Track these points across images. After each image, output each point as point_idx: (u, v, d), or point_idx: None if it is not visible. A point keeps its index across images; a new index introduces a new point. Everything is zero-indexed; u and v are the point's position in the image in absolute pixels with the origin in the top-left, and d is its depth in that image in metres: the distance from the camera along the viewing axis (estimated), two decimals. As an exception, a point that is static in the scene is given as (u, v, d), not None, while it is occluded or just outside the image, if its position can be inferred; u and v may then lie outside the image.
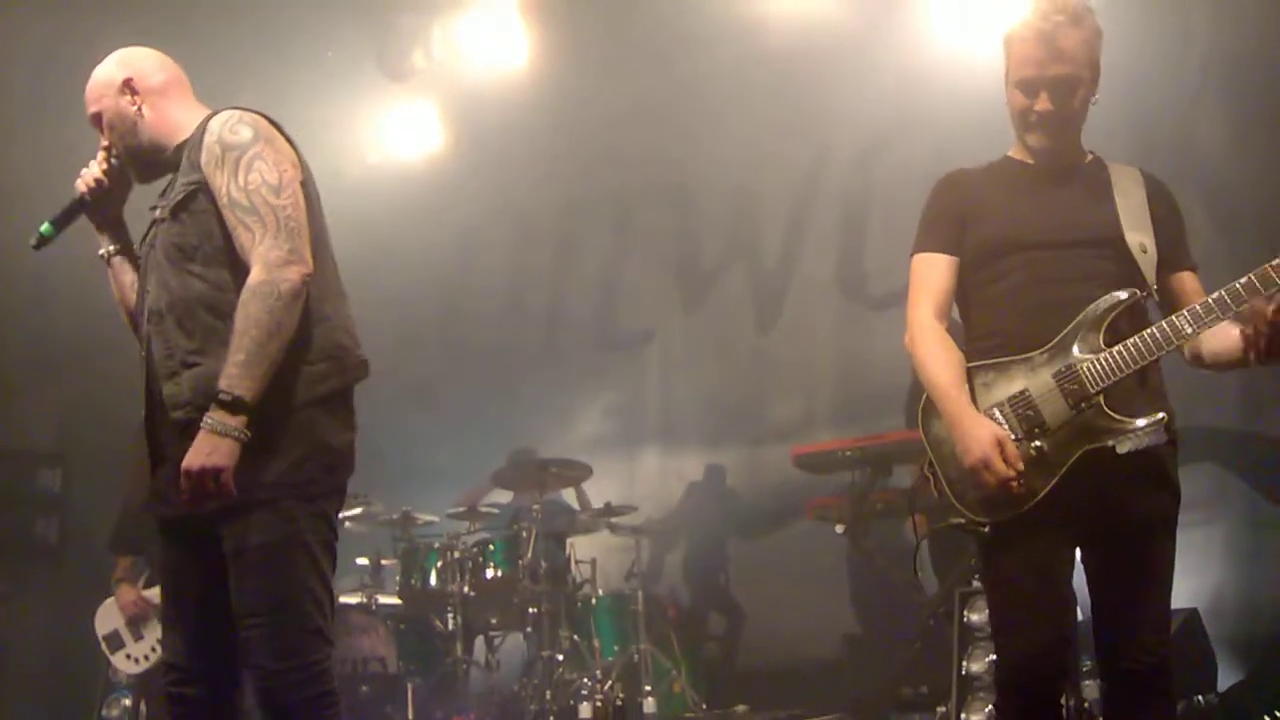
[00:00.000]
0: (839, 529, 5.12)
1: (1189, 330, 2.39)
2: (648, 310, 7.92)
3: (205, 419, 2.30)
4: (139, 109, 2.64)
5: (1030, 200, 2.60)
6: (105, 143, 2.69)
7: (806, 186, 7.41)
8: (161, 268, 2.51)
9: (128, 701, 5.61)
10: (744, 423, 7.27)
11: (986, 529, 2.46)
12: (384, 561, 6.13)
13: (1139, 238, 2.53)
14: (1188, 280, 2.61)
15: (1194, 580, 5.60)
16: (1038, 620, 2.44)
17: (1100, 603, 2.54)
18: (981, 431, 2.41)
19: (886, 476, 5.42)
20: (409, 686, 5.68)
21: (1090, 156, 2.69)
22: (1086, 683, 4.54)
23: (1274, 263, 2.35)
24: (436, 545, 6.15)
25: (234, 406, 2.29)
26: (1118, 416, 2.41)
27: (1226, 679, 5.15)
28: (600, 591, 6.26)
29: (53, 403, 7.10)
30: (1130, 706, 2.47)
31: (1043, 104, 2.54)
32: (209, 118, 2.57)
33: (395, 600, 6.13)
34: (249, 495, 2.33)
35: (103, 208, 2.75)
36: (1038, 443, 2.43)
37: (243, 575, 2.37)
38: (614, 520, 6.22)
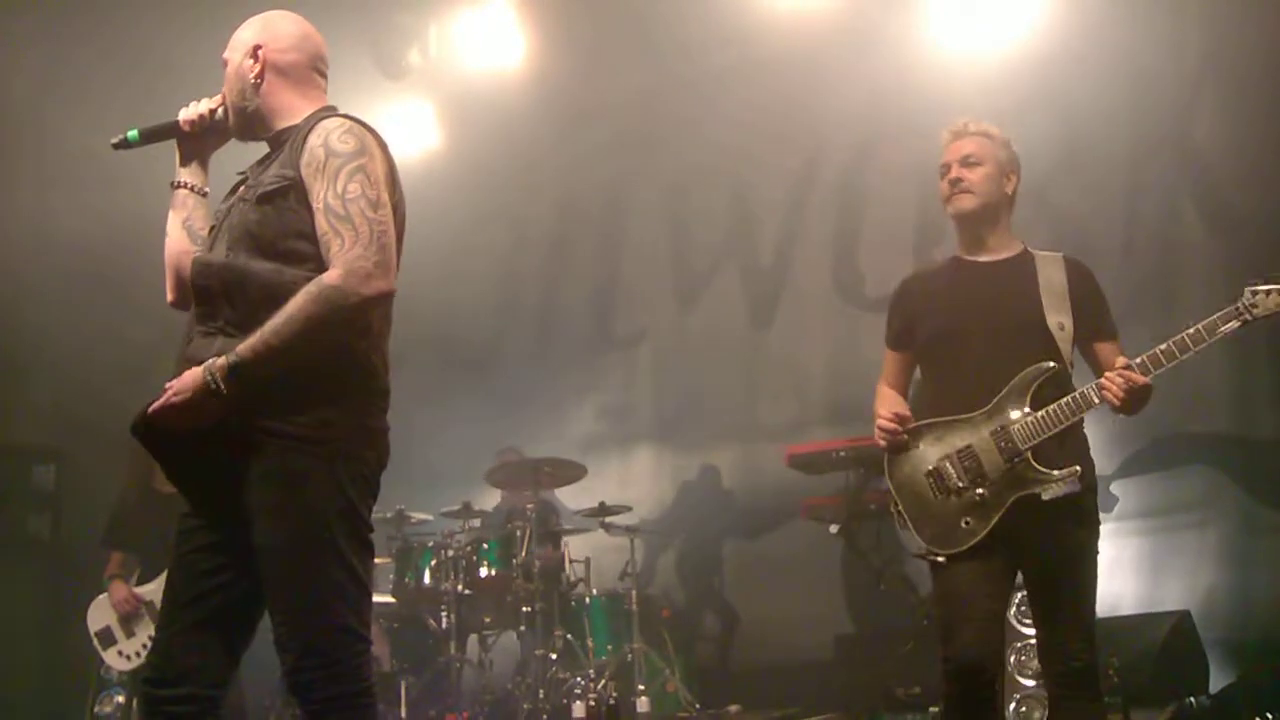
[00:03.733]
0: (833, 529, 5.16)
1: (1095, 400, 2.96)
2: (642, 310, 7.92)
3: (208, 362, 2.29)
4: (258, 78, 2.63)
5: (967, 294, 3.20)
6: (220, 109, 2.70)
7: (800, 188, 7.43)
8: (231, 239, 2.48)
9: (120, 698, 5.62)
10: (738, 422, 7.28)
11: (941, 559, 3.05)
12: (377, 560, 6.12)
13: (1058, 318, 3.09)
14: (1107, 349, 3.14)
15: (1186, 583, 5.64)
16: (972, 630, 2.99)
17: (1037, 617, 3.14)
18: (883, 409, 3.23)
19: (880, 476, 5.42)
20: (402, 685, 5.70)
21: (1021, 249, 3.27)
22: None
23: (1160, 347, 2.92)
24: (430, 544, 6.15)
25: (233, 369, 2.27)
26: (1042, 469, 2.98)
27: (1218, 681, 5.17)
28: (594, 591, 6.26)
29: (48, 399, 7.09)
30: (1066, 699, 3.02)
31: (954, 173, 3.23)
32: (322, 115, 2.56)
33: (389, 599, 6.13)
34: (290, 430, 2.32)
35: (195, 143, 2.74)
36: (980, 490, 3.03)
37: (270, 568, 2.35)
38: (608, 520, 6.22)
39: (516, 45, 7.29)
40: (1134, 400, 2.93)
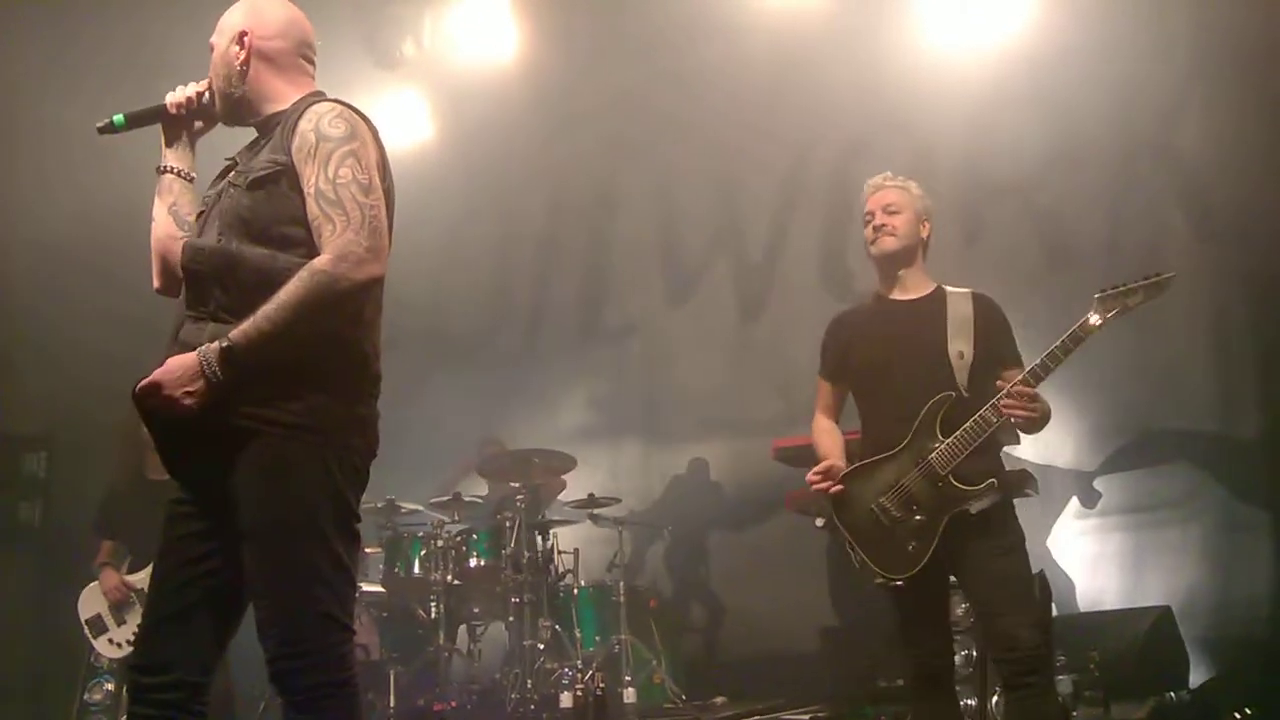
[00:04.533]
0: (818, 522, 5.17)
1: (994, 420, 3.31)
2: (631, 304, 7.96)
3: (202, 347, 2.29)
4: (243, 63, 2.63)
5: (886, 330, 3.56)
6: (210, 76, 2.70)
7: (790, 183, 7.46)
8: (223, 225, 2.48)
9: (110, 686, 5.65)
10: (727, 416, 7.32)
11: (899, 583, 3.39)
12: (367, 550, 6.15)
13: (959, 347, 3.45)
14: (1011, 375, 3.41)
15: (1167, 579, 5.70)
16: (926, 635, 3.47)
17: (980, 608, 3.47)
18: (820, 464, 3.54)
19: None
20: (391, 674, 5.71)
21: (934, 287, 3.60)
22: (1060, 677, 4.62)
23: (1036, 362, 3.26)
24: (420, 534, 6.17)
25: (227, 354, 2.27)
26: (964, 486, 3.34)
27: (1198, 676, 5.23)
28: (582, 582, 6.30)
29: (38, 386, 7.09)
30: (1018, 688, 3.28)
31: (878, 219, 3.59)
32: (310, 100, 2.56)
33: (378, 588, 6.16)
34: (281, 417, 2.32)
35: (181, 127, 2.74)
36: (918, 516, 3.38)
37: (255, 554, 2.34)
38: (596, 511, 6.26)
39: (509, 38, 7.31)
40: (1032, 417, 3.29)
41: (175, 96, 2.71)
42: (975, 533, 3.34)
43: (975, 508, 3.32)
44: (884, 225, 3.57)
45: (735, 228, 7.69)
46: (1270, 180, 5.77)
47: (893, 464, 3.44)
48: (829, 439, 3.65)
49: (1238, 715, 4.70)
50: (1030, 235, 6.65)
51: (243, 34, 2.64)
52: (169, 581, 2.47)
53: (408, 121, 7.75)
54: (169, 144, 2.77)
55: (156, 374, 2.30)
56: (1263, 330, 5.89)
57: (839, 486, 3.48)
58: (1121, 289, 3.26)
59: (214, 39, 2.70)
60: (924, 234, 3.62)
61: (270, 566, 2.34)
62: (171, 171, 2.75)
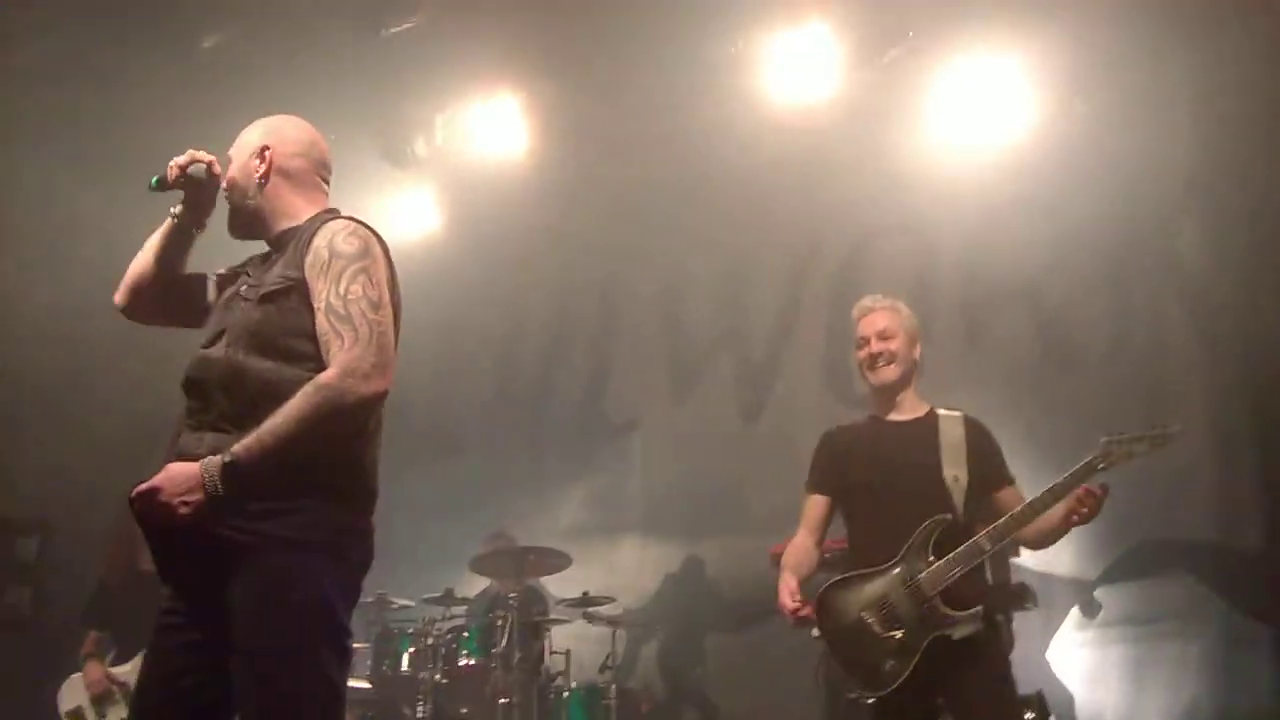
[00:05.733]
0: (815, 633, 5.11)
1: (988, 548, 3.35)
2: (634, 399, 7.96)
3: (205, 460, 2.28)
4: (263, 177, 2.69)
5: (880, 451, 3.58)
6: (221, 178, 2.73)
7: (794, 283, 7.53)
8: (232, 337, 2.49)
9: (87, 781, 5.50)
10: (725, 515, 7.25)
11: (870, 700, 3.37)
12: (355, 645, 6.05)
13: (953, 471, 3.48)
14: (1006, 496, 3.52)
15: (1167, 695, 5.59)
16: None
17: None
18: (782, 586, 3.47)
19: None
20: (376, 775, 5.58)
21: (928, 410, 3.66)
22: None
23: (1039, 495, 3.31)
24: (410, 630, 6.08)
25: (230, 470, 2.26)
26: (950, 611, 3.33)
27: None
28: (574, 683, 6.17)
29: (31, 471, 7.07)
30: None
31: (874, 347, 3.64)
32: (326, 217, 2.61)
33: (365, 685, 6.04)
34: (279, 532, 2.31)
35: (198, 193, 2.75)
36: (899, 635, 3.36)
37: (245, 673, 2.31)
38: (590, 610, 6.17)
39: (519, 137, 7.43)
40: (1085, 521, 3.31)
41: (182, 160, 2.72)
42: (963, 660, 3.31)
43: (958, 634, 3.32)
44: (881, 353, 3.63)
45: (739, 326, 7.74)
46: (1271, 282, 5.82)
47: (881, 580, 3.44)
48: (804, 557, 3.63)
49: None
50: (1033, 339, 6.68)
51: (264, 148, 2.71)
52: (154, 693, 2.44)
53: (416, 215, 7.85)
54: (186, 202, 2.79)
55: (156, 479, 2.30)
56: (1265, 438, 5.87)
57: (806, 609, 3.45)
58: (1128, 438, 3.31)
59: (232, 152, 2.76)
60: (916, 354, 3.69)
61: (262, 689, 2.31)
62: (182, 221, 2.78)
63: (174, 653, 2.43)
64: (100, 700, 5.38)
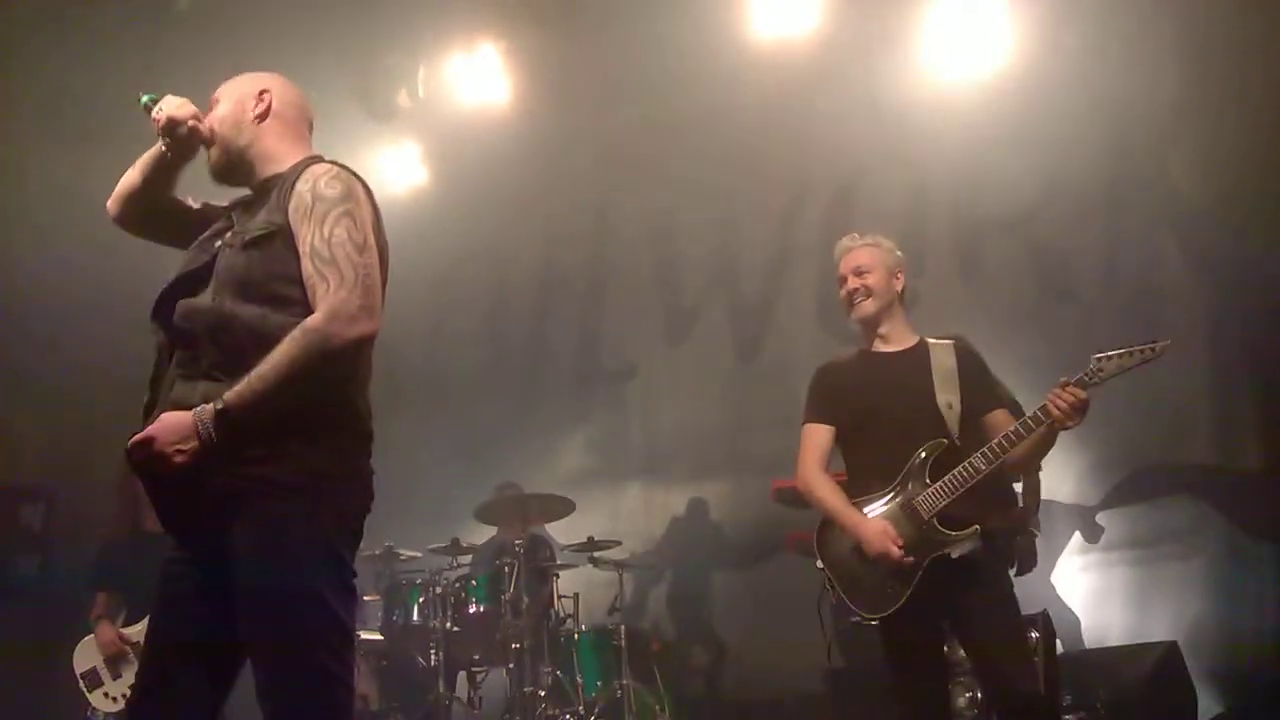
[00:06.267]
0: (819, 564, 5.16)
1: (983, 467, 3.38)
2: (630, 345, 7.96)
3: (198, 408, 2.28)
4: (259, 116, 2.69)
5: (872, 382, 3.64)
6: (206, 122, 2.68)
7: (785, 221, 7.50)
8: (218, 284, 2.48)
9: (106, 740, 5.57)
10: (726, 456, 7.30)
11: (874, 622, 3.44)
12: (366, 598, 6.10)
13: (946, 397, 3.53)
14: (999, 417, 3.54)
15: (1172, 613, 5.66)
16: (918, 683, 3.47)
17: (975, 661, 3.51)
18: (874, 528, 3.44)
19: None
20: (391, 724, 5.65)
21: (918, 340, 3.71)
22: (1067, 716, 4.57)
23: (1029, 416, 3.32)
24: (419, 581, 6.12)
25: (222, 416, 2.27)
26: (948, 531, 3.40)
27: (1207, 711, 5.17)
28: (583, 627, 6.23)
29: (37, 438, 7.07)
30: None
31: (850, 284, 3.70)
32: (308, 162, 2.60)
33: (377, 636, 6.10)
34: (276, 477, 2.31)
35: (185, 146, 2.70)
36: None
37: (252, 616, 2.32)
38: (597, 555, 6.22)
39: (503, 86, 7.36)
40: (1071, 425, 3.28)
41: (172, 110, 2.66)
42: (964, 580, 3.38)
43: (956, 552, 3.37)
44: (858, 289, 3.69)
45: (731, 268, 7.72)
46: (1263, 209, 5.81)
47: (880, 505, 3.51)
48: (840, 494, 3.59)
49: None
50: (1027, 269, 6.68)
51: (264, 91, 2.71)
52: (161, 643, 2.45)
53: (402, 169, 7.78)
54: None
55: (150, 429, 2.31)
56: (1260, 360, 5.89)
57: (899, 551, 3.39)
58: (1118, 353, 3.29)
59: (219, 93, 2.73)
60: (898, 287, 3.73)
61: (268, 630, 2.32)
62: (167, 154, 2.71)
63: (181, 601, 2.44)
64: (114, 661, 5.42)
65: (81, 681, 5.46)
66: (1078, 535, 6.03)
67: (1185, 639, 5.26)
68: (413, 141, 7.85)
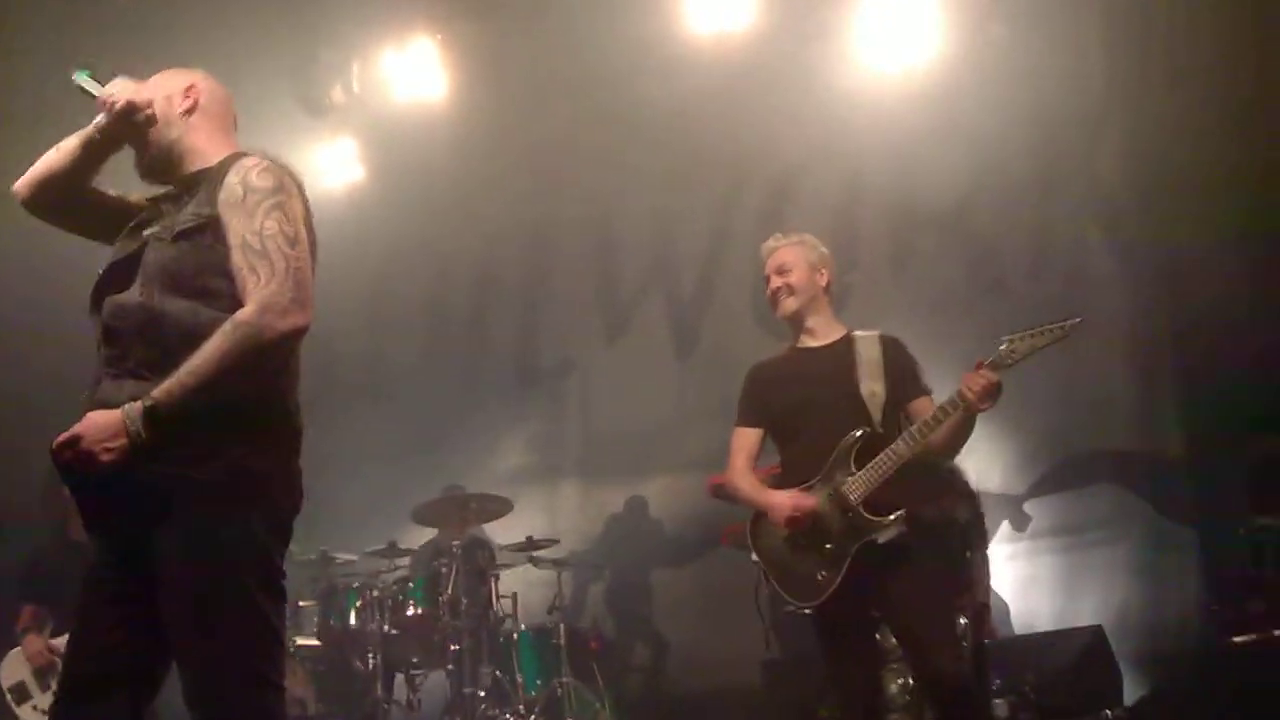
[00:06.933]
0: (754, 557, 5.22)
1: (905, 452, 3.42)
2: (569, 341, 7.95)
3: (126, 405, 2.24)
4: (186, 112, 2.65)
5: (800, 376, 3.72)
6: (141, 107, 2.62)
7: (723, 216, 7.54)
8: (146, 277, 2.43)
9: (34, 755, 5.45)
10: (664, 452, 7.32)
11: (807, 610, 3.51)
12: (301, 603, 6.04)
13: (870, 386, 3.60)
14: (923, 404, 3.60)
15: (1097, 598, 5.79)
16: (851, 670, 3.55)
17: (903, 644, 3.62)
18: (777, 498, 3.61)
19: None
20: (329, 728, 5.60)
21: (844, 332, 3.78)
22: (996, 700, 4.66)
23: (946, 401, 3.36)
24: (356, 585, 6.07)
25: (151, 414, 2.23)
26: (874, 517, 3.45)
27: (1132, 694, 5.30)
28: (522, 626, 6.23)
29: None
30: (950, 717, 3.40)
31: (773, 283, 3.79)
32: (237, 157, 2.57)
33: (314, 641, 6.03)
34: (204, 475, 2.27)
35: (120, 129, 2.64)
36: (827, 545, 3.48)
37: (180, 620, 2.29)
38: (535, 554, 6.21)
39: (439, 80, 7.29)
40: (984, 407, 3.33)
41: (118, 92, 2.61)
42: (892, 564, 3.43)
43: (883, 538, 3.43)
44: (780, 287, 3.78)
45: (669, 263, 7.75)
46: (1186, 201, 5.95)
47: (808, 495, 3.57)
48: (754, 479, 3.77)
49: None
50: (958, 262, 6.78)
51: (192, 85, 2.69)
52: (85, 649, 2.40)
53: (338, 165, 7.68)
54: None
55: (76, 428, 2.26)
56: (1182, 349, 6.04)
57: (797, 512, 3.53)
58: (1028, 333, 3.34)
59: (148, 93, 2.65)
60: (822, 282, 3.80)
61: (195, 633, 2.28)
62: (100, 133, 2.64)
63: (105, 604, 2.40)
64: (43, 672, 5.31)
65: (9, 695, 5.35)
66: (1006, 524, 6.14)
67: (1111, 623, 5.39)
68: (348, 137, 7.75)
